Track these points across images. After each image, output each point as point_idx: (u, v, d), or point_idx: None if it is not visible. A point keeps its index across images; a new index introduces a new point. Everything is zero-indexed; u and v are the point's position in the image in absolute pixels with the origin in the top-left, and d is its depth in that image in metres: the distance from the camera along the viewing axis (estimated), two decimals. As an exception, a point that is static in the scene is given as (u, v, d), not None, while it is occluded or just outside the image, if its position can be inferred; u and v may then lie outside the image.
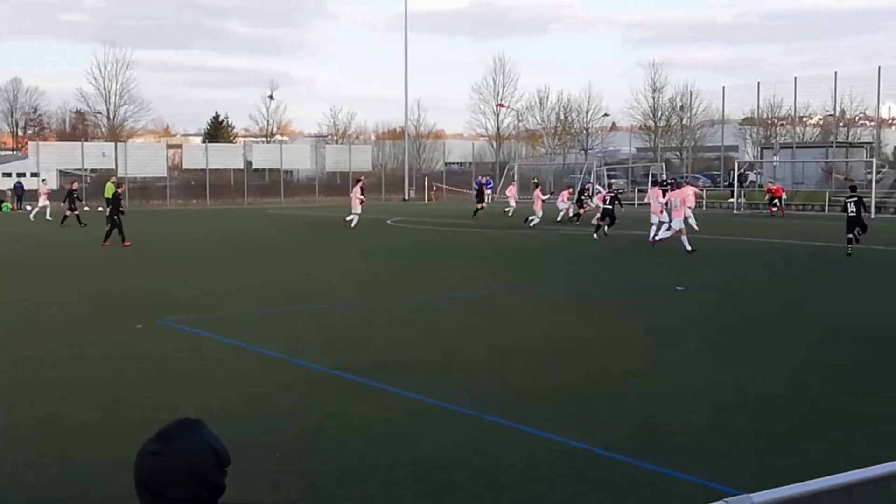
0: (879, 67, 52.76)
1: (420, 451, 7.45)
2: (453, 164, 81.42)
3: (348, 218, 35.76)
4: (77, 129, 72.50)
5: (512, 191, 48.47)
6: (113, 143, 63.26)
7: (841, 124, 62.87)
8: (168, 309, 14.84)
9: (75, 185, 40.76)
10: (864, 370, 10.67)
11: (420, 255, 25.69)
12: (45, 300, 16.28)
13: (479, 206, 43.88)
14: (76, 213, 37.57)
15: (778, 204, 47.21)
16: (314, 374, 10.40)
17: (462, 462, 7.20)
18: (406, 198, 67.95)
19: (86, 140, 64.29)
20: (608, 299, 16.81)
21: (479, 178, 70.86)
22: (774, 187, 49.76)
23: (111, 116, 70.68)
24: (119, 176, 47.77)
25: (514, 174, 62.24)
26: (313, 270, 21.57)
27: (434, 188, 70.60)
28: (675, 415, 8.66)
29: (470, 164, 79.73)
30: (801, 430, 8.19)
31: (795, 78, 58.72)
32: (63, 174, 63.72)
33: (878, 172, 49.21)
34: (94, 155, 61.01)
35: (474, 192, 67.43)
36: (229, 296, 16.89)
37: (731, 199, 53.10)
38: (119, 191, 29.10)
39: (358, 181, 38.99)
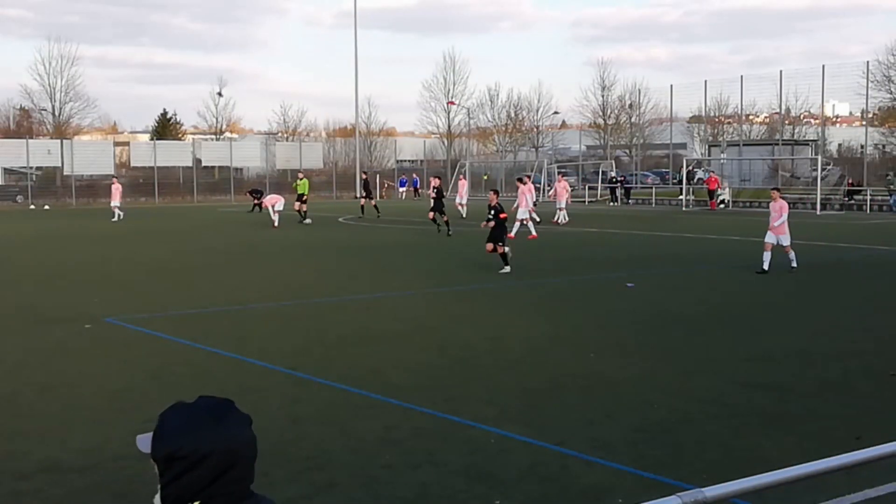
0: (823, 66, 53.62)
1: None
2: (405, 161, 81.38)
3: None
4: (22, 126, 71.02)
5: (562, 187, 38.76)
6: (59, 141, 62.26)
7: (786, 122, 63.80)
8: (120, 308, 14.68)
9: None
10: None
11: (375, 252, 25.63)
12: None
13: (258, 202, 44.80)
14: (372, 201, 40.67)
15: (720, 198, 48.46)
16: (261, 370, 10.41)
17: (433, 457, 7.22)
18: (358, 195, 67.55)
19: (31, 137, 63.14)
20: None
21: (414, 175, 71.43)
22: (707, 179, 51.05)
23: (56, 113, 69.43)
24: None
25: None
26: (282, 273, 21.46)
27: (386, 186, 70.46)
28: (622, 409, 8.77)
29: (421, 161, 79.66)
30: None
31: (742, 76, 59.52)
32: (7, 172, 62.56)
33: (823, 170, 50.09)
34: (39, 153, 60.00)
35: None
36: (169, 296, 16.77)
37: (679, 197, 53.68)
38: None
39: (523, 179, 35.08)
